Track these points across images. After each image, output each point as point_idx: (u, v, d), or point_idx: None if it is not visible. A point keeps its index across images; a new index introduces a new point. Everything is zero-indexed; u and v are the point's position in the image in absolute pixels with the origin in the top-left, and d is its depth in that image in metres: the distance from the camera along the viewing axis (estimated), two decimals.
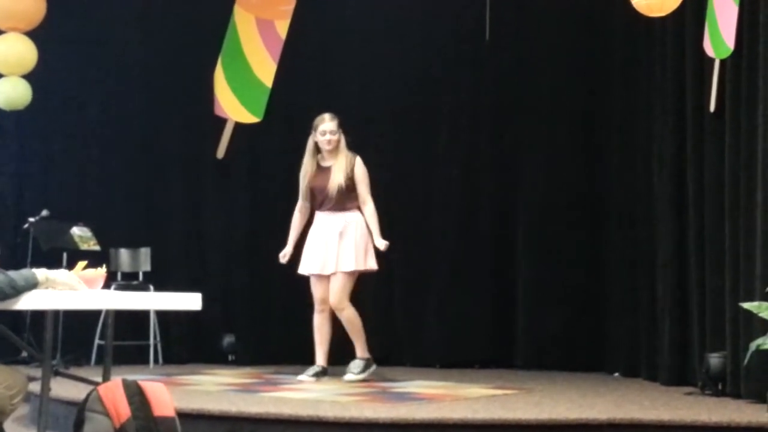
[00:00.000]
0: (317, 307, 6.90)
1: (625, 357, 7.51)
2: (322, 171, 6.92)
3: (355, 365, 6.79)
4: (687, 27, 6.58)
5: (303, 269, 6.92)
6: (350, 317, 6.81)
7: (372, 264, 6.84)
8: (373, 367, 6.83)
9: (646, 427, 5.00)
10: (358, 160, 6.89)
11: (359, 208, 6.88)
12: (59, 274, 3.78)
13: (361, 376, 6.72)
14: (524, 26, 8.47)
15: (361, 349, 6.85)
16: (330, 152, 6.89)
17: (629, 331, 7.45)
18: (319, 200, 6.91)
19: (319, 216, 6.93)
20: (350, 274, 6.76)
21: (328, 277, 6.82)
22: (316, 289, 6.89)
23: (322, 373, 6.85)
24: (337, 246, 6.77)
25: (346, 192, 6.81)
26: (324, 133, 6.88)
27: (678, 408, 5.44)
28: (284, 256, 7.02)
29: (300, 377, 6.83)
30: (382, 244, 6.78)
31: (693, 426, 4.96)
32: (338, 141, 6.89)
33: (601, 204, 8.08)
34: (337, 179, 6.80)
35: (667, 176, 6.89)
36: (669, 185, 6.85)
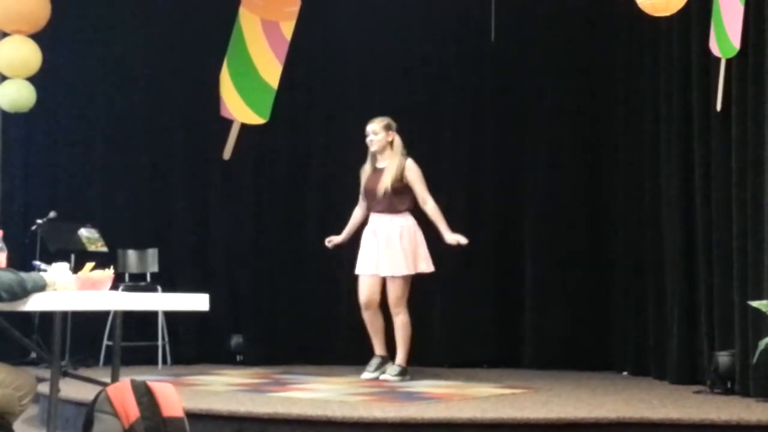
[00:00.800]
0: (362, 307, 7.00)
1: (634, 356, 7.50)
2: (376, 173, 7.01)
3: (393, 369, 6.85)
4: (692, 26, 6.57)
5: (357, 269, 7.02)
6: (403, 323, 6.89)
7: (424, 267, 6.91)
8: (408, 377, 6.86)
9: (655, 426, 4.99)
10: (409, 162, 6.95)
11: (411, 212, 6.95)
12: (59, 276, 3.79)
13: (396, 379, 6.78)
14: (528, 27, 8.46)
15: (402, 357, 6.91)
16: (380, 153, 6.98)
17: (637, 329, 7.44)
18: (371, 201, 7.00)
19: (371, 217, 7.01)
20: (400, 278, 6.83)
21: (373, 279, 6.90)
22: (361, 290, 6.99)
23: (382, 362, 6.95)
24: (384, 249, 6.84)
25: (393, 195, 6.86)
26: (367, 134, 6.99)
27: (687, 406, 5.44)
28: (330, 241, 7.18)
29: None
30: (453, 238, 6.88)
31: (702, 424, 4.95)
32: (384, 142, 6.97)
33: (607, 203, 8.07)
34: (385, 182, 6.88)
35: (673, 175, 6.88)
36: (676, 184, 6.85)
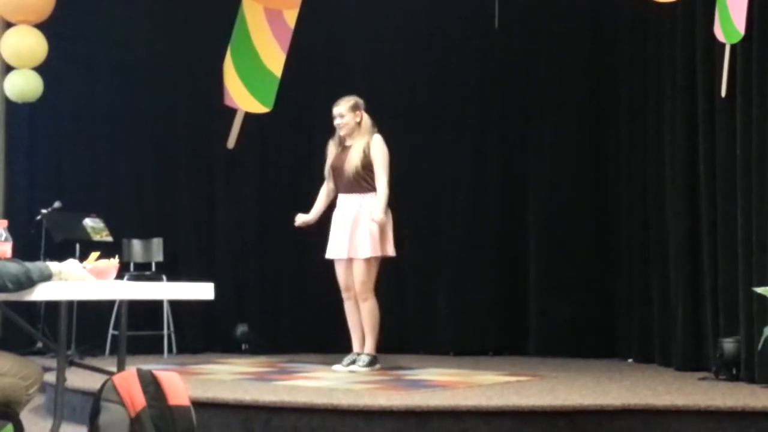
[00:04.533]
0: (342, 294, 6.84)
1: (639, 343, 7.51)
2: (344, 151, 6.84)
3: (362, 359, 6.70)
4: (697, 12, 6.55)
5: (327, 254, 6.87)
6: (370, 309, 6.72)
7: (390, 250, 6.72)
8: (377, 366, 6.71)
9: (660, 413, 5.00)
10: (376, 138, 6.75)
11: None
12: (70, 267, 3.79)
13: (365, 370, 6.62)
14: (532, 17, 8.46)
15: (370, 345, 6.74)
16: (348, 135, 6.83)
17: (642, 317, 7.44)
18: (338, 181, 6.84)
19: (339, 198, 6.85)
20: (367, 261, 6.66)
21: (347, 262, 6.75)
22: (338, 275, 6.83)
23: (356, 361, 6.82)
24: (353, 231, 6.68)
25: (363, 173, 6.68)
26: (334, 117, 6.87)
27: (692, 393, 5.44)
28: (299, 218, 6.95)
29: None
30: (376, 218, 6.57)
31: (707, 411, 4.95)
32: (352, 124, 6.80)
33: (612, 191, 8.07)
34: (353, 160, 6.71)
35: (678, 162, 6.87)
36: (680, 171, 6.84)
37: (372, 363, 6.70)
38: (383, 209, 6.65)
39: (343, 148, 6.86)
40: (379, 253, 6.67)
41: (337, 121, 6.84)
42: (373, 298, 6.73)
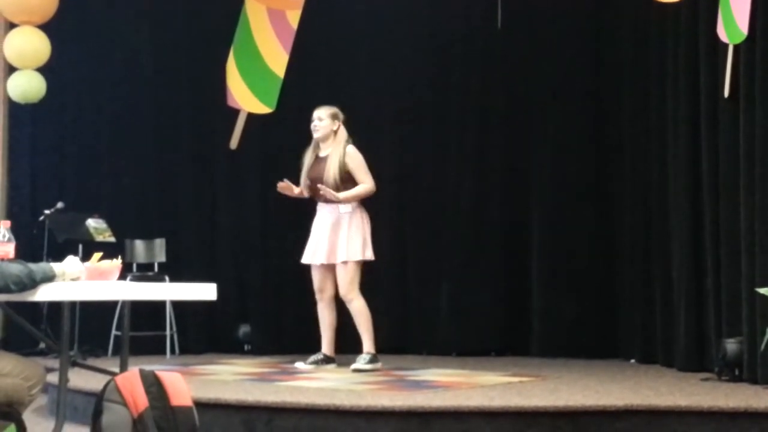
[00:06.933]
0: (316, 296, 6.95)
1: (641, 343, 7.50)
2: (318, 161, 6.93)
3: (363, 358, 6.74)
4: (700, 12, 6.55)
5: (304, 258, 6.96)
6: (358, 308, 6.78)
7: (369, 254, 6.81)
8: (378, 364, 6.75)
9: (663, 413, 4.99)
10: (350, 149, 6.85)
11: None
12: (70, 266, 3.79)
13: (368, 367, 6.67)
14: (535, 17, 8.45)
15: (368, 344, 6.79)
16: (323, 142, 6.90)
17: (645, 317, 7.44)
18: (315, 191, 6.91)
19: (318, 207, 6.94)
20: (348, 264, 6.75)
21: (323, 267, 6.84)
22: (314, 279, 6.93)
23: (323, 361, 6.87)
24: (332, 237, 6.78)
25: (340, 183, 6.77)
26: (312, 120, 6.93)
27: (695, 394, 5.44)
28: (286, 183, 6.96)
29: (297, 364, 6.87)
30: (340, 196, 6.67)
31: (710, 412, 4.95)
32: (328, 130, 6.88)
33: (615, 191, 8.06)
34: (330, 172, 6.79)
35: (681, 162, 6.87)
36: (683, 171, 6.83)
37: (373, 360, 6.73)
38: (350, 196, 6.74)
39: (317, 158, 6.93)
40: (359, 257, 6.75)
41: (314, 124, 6.92)
42: (358, 298, 6.79)
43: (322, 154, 6.93)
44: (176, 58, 8.55)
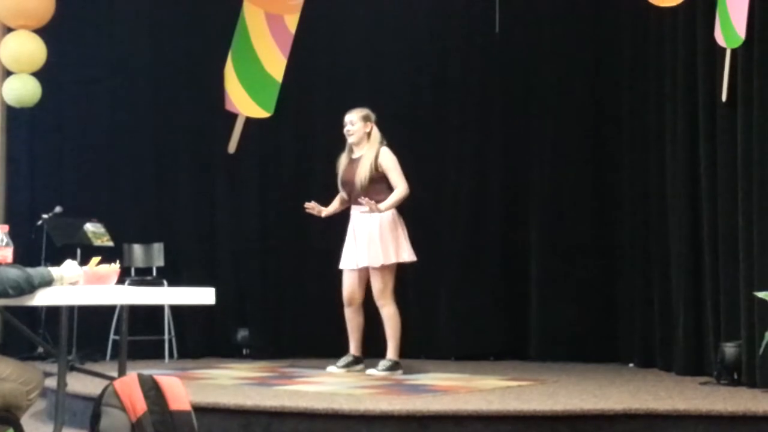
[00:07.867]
0: (344, 302, 6.92)
1: (640, 347, 7.50)
2: (352, 164, 6.91)
3: (383, 363, 6.75)
4: (698, 16, 6.56)
5: (341, 264, 6.94)
6: (390, 314, 6.78)
7: (406, 256, 6.79)
8: (400, 372, 6.75)
9: (661, 417, 4.99)
10: (383, 150, 6.82)
11: None
12: (68, 271, 3.79)
13: (384, 374, 6.66)
14: (533, 19, 8.47)
15: (392, 351, 6.79)
16: (356, 144, 6.90)
17: (644, 321, 7.44)
18: (349, 193, 6.90)
19: (352, 210, 6.92)
20: (381, 269, 6.73)
21: (356, 274, 6.82)
22: (344, 285, 6.91)
23: (353, 362, 6.88)
24: (365, 242, 6.75)
25: (371, 185, 6.74)
26: (344, 125, 6.92)
27: (693, 398, 5.43)
28: (313, 204, 6.94)
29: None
30: (382, 206, 6.64)
31: (708, 416, 4.94)
32: (362, 133, 6.86)
33: (613, 195, 8.07)
34: (361, 173, 6.77)
35: (679, 166, 6.87)
36: (681, 175, 6.84)
37: (394, 368, 6.73)
38: (390, 204, 6.72)
39: (351, 160, 6.92)
40: (392, 260, 6.74)
41: (347, 128, 6.90)
42: (392, 304, 6.80)
43: (355, 155, 6.91)
44: (174, 63, 8.55)
